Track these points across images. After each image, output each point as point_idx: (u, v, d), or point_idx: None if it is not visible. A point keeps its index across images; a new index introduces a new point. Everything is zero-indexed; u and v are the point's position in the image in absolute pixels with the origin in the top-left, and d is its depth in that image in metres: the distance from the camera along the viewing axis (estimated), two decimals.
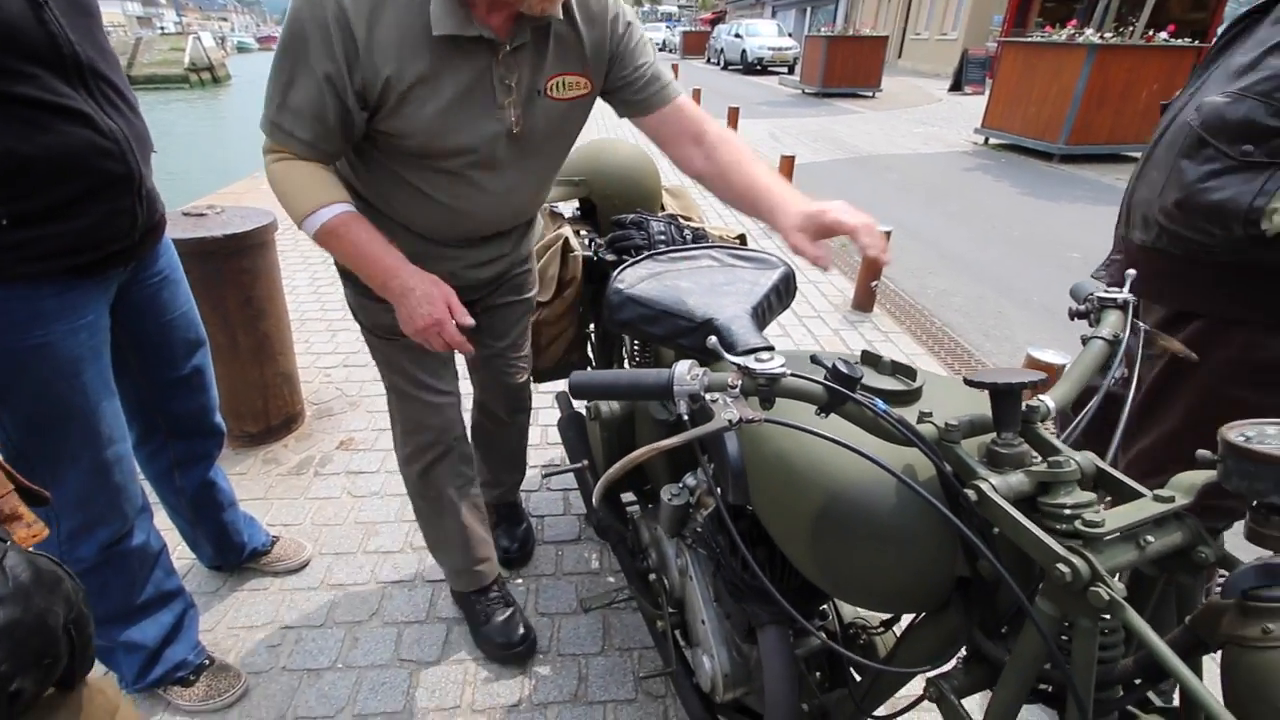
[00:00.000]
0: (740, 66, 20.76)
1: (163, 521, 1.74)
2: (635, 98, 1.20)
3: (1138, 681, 0.57)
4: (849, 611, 1.11)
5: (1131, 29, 7.76)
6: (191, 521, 1.63)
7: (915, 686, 0.84)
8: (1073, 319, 0.82)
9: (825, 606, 1.13)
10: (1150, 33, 7.60)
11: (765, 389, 0.61)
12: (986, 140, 9.11)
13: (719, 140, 1.19)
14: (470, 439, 1.59)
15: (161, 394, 1.41)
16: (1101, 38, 7.44)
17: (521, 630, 1.57)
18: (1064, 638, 0.56)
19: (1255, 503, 0.50)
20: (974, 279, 4.36)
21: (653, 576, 1.38)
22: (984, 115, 9.00)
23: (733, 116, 6.77)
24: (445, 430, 1.44)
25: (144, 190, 1.15)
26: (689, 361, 0.64)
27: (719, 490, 0.78)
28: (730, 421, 0.59)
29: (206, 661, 1.49)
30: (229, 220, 2.02)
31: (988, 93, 9.36)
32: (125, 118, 1.10)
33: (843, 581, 0.73)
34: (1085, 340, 0.75)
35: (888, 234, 3.48)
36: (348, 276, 1.32)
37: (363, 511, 2.03)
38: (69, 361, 1.11)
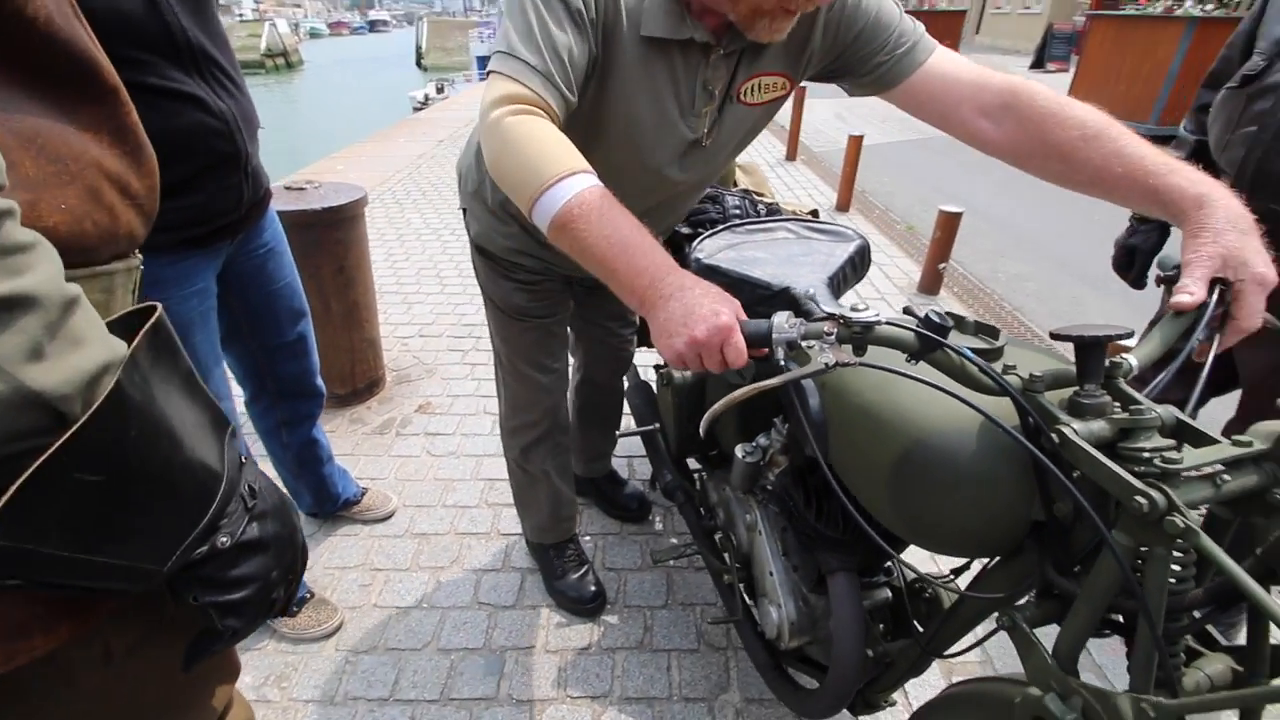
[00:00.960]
0: None
1: (268, 472, 1.92)
2: (864, 79, 1.01)
3: (1207, 611, 0.60)
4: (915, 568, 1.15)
5: (1237, 1, 7.22)
6: (295, 474, 1.78)
7: (983, 631, 0.88)
8: (1159, 285, 0.83)
9: (889, 564, 1.18)
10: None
11: (859, 336, 0.65)
12: None
13: (1036, 109, 0.89)
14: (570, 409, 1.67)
15: (269, 358, 1.54)
16: (1202, 10, 6.96)
17: (593, 588, 1.66)
18: (1136, 573, 0.59)
19: None
20: (1051, 264, 4.21)
21: (719, 535, 1.45)
22: (1069, 92, 8.48)
23: (799, 96, 6.66)
24: (554, 409, 1.50)
25: (250, 167, 1.21)
26: (786, 312, 0.69)
27: (802, 444, 0.83)
28: (828, 364, 0.64)
29: (308, 595, 1.64)
30: (326, 194, 2.17)
31: (1073, 70, 8.89)
32: (234, 98, 1.15)
33: (922, 526, 0.77)
34: (1171, 305, 0.76)
35: (958, 215, 3.41)
36: (482, 250, 1.31)
37: (441, 469, 2.16)
38: (181, 325, 1.20)
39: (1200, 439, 0.61)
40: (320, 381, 1.68)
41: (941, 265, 3.50)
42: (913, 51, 0.97)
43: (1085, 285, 3.89)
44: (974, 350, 0.74)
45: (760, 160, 6.72)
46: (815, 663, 1.24)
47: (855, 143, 4.71)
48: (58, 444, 0.37)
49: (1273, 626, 0.60)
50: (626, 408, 1.85)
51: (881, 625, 1.15)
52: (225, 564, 0.49)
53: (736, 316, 0.69)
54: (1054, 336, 0.65)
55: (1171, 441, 0.60)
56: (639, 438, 1.79)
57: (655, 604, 1.69)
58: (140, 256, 0.57)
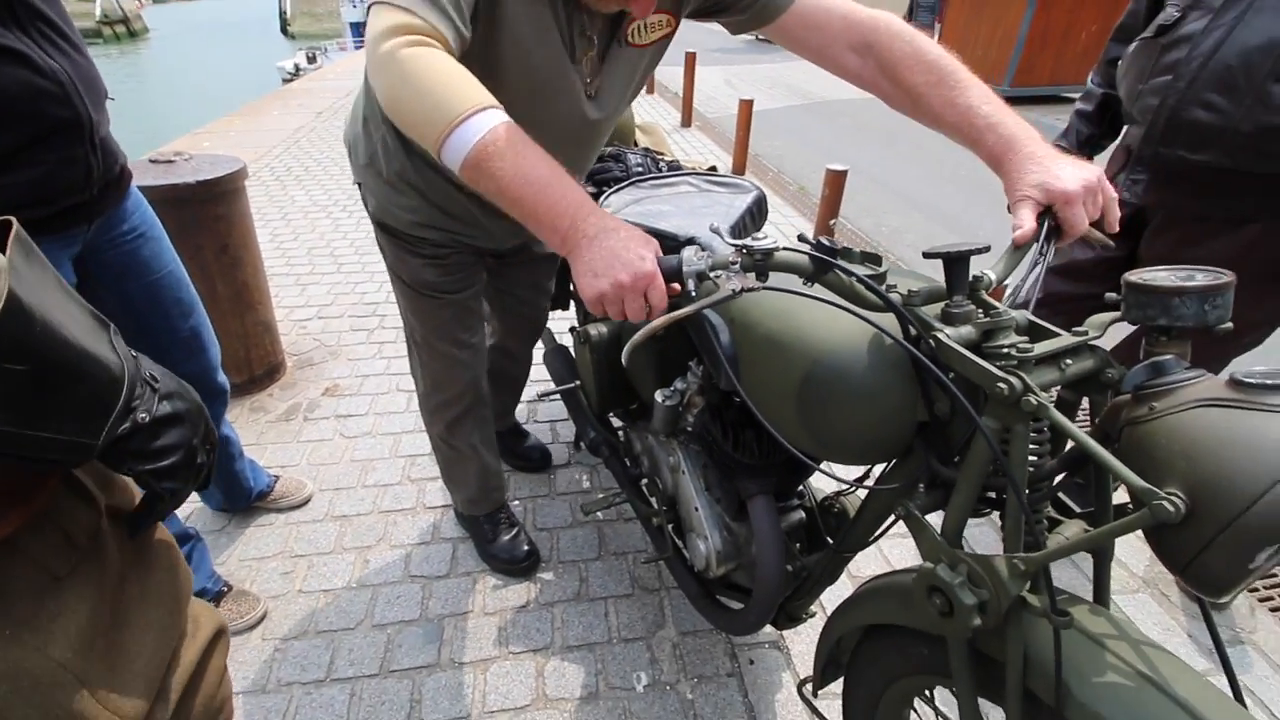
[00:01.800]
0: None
1: None
2: (741, 15, 1.03)
3: (1060, 479, 0.72)
4: (825, 490, 1.27)
5: None
6: None
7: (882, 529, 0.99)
8: (1009, 212, 0.94)
9: (801, 488, 1.28)
10: None
11: (761, 263, 0.71)
12: None
13: (892, 53, 0.95)
14: None
15: (161, 357, 1.40)
16: None
17: (526, 547, 1.69)
18: (1003, 452, 0.70)
19: (1149, 327, 0.64)
20: (925, 216, 4.55)
21: (645, 481, 1.51)
22: None
23: (690, 62, 6.73)
24: (475, 383, 1.48)
25: (97, 138, 1.08)
26: (694, 246, 0.74)
27: (716, 379, 0.89)
28: (734, 290, 0.70)
29: (225, 588, 1.57)
30: (199, 166, 2.01)
31: (936, 36, 9.46)
32: (69, 58, 1.02)
33: (826, 439, 0.85)
34: (1015, 228, 0.88)
35: (844, 174, 3.61)
36: (384, 226, 1.27)
37: (357, 450, 2.10)
38: None
39: (1048, 335, 0.72)
40: (223, 377, 1.56)
41: (832, 221, 3.71)
42: None
43: (954, 234, 4.25)
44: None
45: (666, 121, 6.77)
46: (740, 587, 1.34)
47: (746, 107, 4.85)
48: None
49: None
50: (544, 373, 1.87)
51: (798, 545, 1.25)
52: (149, 437, 0.60)
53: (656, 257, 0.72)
54: (926, 255, 0.74)
55: (1025, 339, 0.70)
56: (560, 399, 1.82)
57: (589, 557, 1.74)
58: None
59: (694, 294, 0.74)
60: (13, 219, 0.53)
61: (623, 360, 0.78)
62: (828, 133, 6.83)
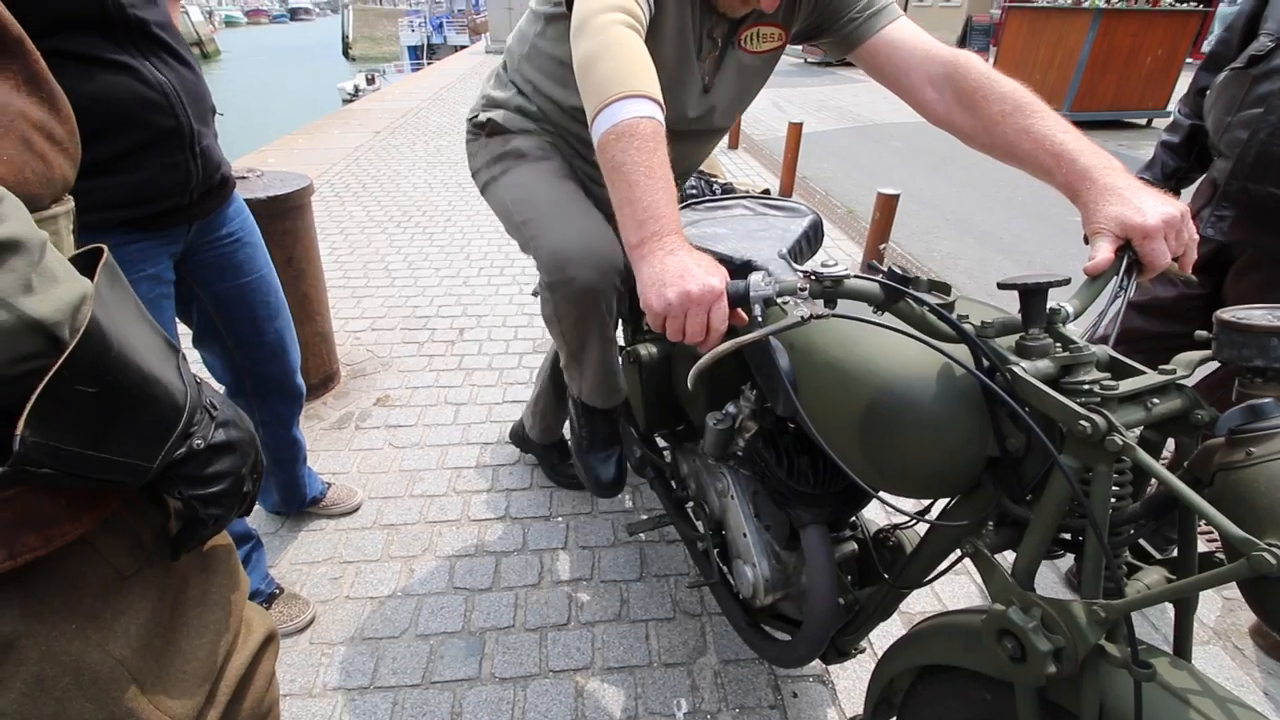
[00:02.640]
0: None
1: None
2: (834, 37, 1.12)
3: (1143, 523, 0.69)
4: (879, 522, 1.23)
5: None
6: (268, 471, 1.73)
7: (945, 565, 0.95)
8: (1087, 243, 0.92)
9: (855, 519, 1.25)
10: None
11: (830, 290, 0.71)
12: None
13: (969, 82, 0.97)
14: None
15: (247, 357, 1.48)
16: (1107, 2, 7.42)
17: (615, 470, 1.47)
18: (1084, 492, 0.67)
19: (1243, 368, 0.61)
20: (979, 242, 4.44)
21: (691, 504, 1.50)
22: None
23: None
24: (610, 259, 1.15)
25: (199, 146, 1.17)
26: (761, 271, 0.74)
27: (774, 404, 0.88)
28: (804, 316, 0.69)
29: (277, 590, 1.61)
30: (270, 183, 2.10)
31: (992, 60, 9.32)
32: (176, 72, 1.12)
33: (889, 471, 0.83)
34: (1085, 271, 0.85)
35: (895, 197, 3.56)
36: (504, 129, 1.30)
37: (406, 461, 2.14)
38: None
39: (1131, 371, 0.69)
40: (301, 381, 1.63)
41: (882, 245, 3.65)
42: (879, 15, 1.09)
43: (1009, 260, 4.13)
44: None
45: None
46: (788, 618, 1.31)
47: (795, 130, 4.84)
48: (60, 360, 0.45)
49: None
50: None
51: (850, 577, 1.22)
52: (202, 463, 0.61)
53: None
54: (1001, 286, 0.72)
55: (1108, 374, 0.67)
56: None
57: (630, 577, 1.73)
58: (72, 199, 0.62)
59: (760, 319, 0.74)
60: (103, 246, 0.55)
61: (688, 383, 0.78)
62: (878, 156, 6.76)
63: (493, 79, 1.39)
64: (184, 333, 1.40)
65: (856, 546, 1.22)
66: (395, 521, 1.90)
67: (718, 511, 1.37)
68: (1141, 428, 0.67)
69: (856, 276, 0.72)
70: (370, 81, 16.72)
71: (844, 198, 5.30)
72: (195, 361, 1.50)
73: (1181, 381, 0.66)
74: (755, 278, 0.73)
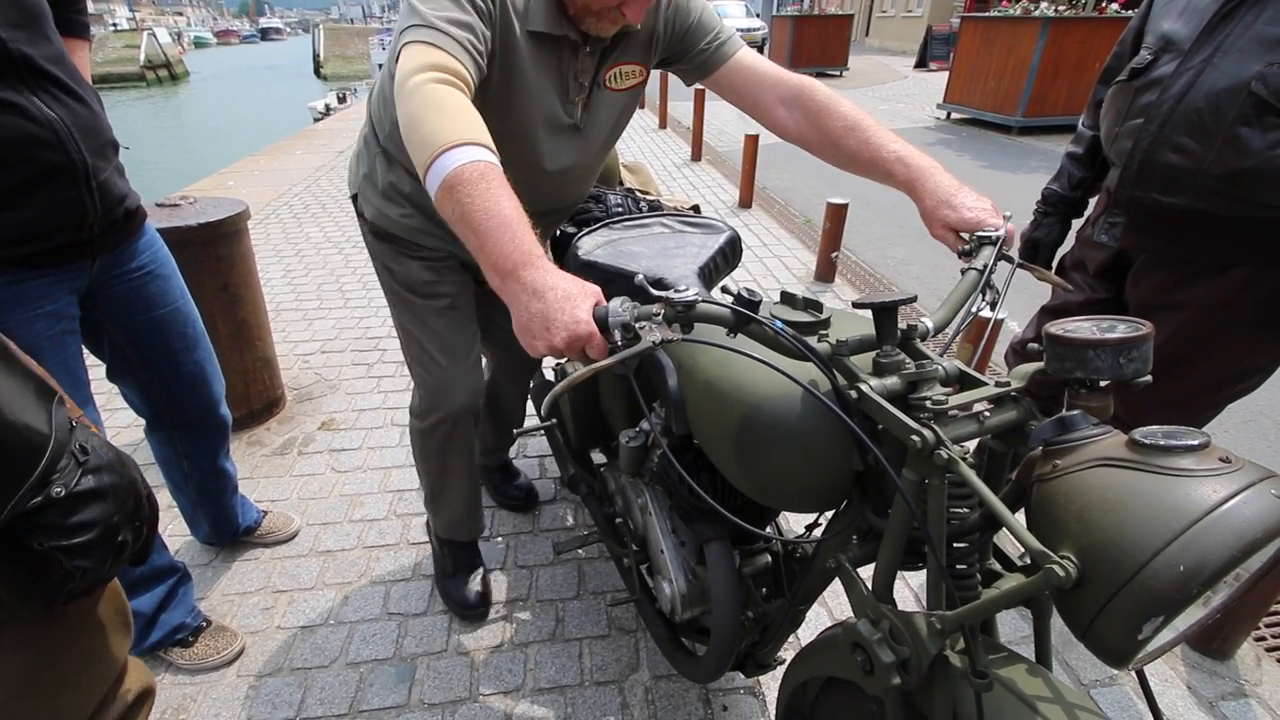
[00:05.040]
0: None
1: (163, 499, 1.83)
2: (689, 65, 1.22)
3: (982, 534, 0.70)
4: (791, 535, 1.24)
5: (1084, 1, 7.96)
6: (194, 502, 1.70)
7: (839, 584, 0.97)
8: (960, 257, 0.94)
9: (771, 533, 1.26)
10: (1103, 4, 7.82)
11: (683, 314, 0.72)
12: (948, 115, 9.29)
13: (815, 102, 1.11)
14: None
15: (164, 389, 1.46)
16: (1055, 11, 7.63)
17: (479, 590, 1.66)
18: (920, 503, 0.68)
19: (1066, 380, 0.63)
20: (932, 248, 4.51)
21: (619, 520, 1.50)
22: (946, 91, 9.18)
23: (699, 99, 6.85)
24: (474, 396, 1.43)
25: (94, 181, 1.15)
26: (622, 297, 0.75)
27: (669, 424, 0.89)
28: (654, 342, 0.70)
29: (204, 624, 1.58)
30: (203, 209, 2.08)
31: (949, 69, 9.53)
32: (67, 108, 1.10)
33: (766, 486, 0.85)
34: (963, 272, 0.87)
35: (845, 206, 3.62)
36: (379, 231, 1.32)
37: (347, 485, 2.12)
38: (29, 349, 1.15)
39: (976, 384, 0.71)
40: (225, 411, 1.61)
41: (834, 254, 3.71)
42: (726, 44, 1.19)
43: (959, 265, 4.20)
44: (800, 323, 0.82)
45: (668, 161, 6.87)
46: (708, 631, 1.31)
47: (751, 141, 4.90)
48: None
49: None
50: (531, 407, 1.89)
51: (764, 590, 1.23)
52: (64, 512, 0.57)
53: (596, 303, 0.72)
54: (855, 305, 0.74)
55: (949, 390, 0.69)
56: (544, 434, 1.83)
57: (567, 596, 1.72)
58: None
59: (619, 344, 0.75)
60: None
61: (541, 413, 0.79)
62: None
63: (363, 152, 1.36)
64: (98, 366, 1.39)
65: (770, 559, 1.23)
66: (332, 548, 1.88)
67: (640, 527, 1.37)
68: (977, 440, 0.69)
69: (707, 301, 0.73)
70: (342, 100, 16.62)
71: (803, 207, 5.37)
72: (112, 394, 1.48)
73: (1017, 393, 0.68)
74: (614, 304, 0.74)
